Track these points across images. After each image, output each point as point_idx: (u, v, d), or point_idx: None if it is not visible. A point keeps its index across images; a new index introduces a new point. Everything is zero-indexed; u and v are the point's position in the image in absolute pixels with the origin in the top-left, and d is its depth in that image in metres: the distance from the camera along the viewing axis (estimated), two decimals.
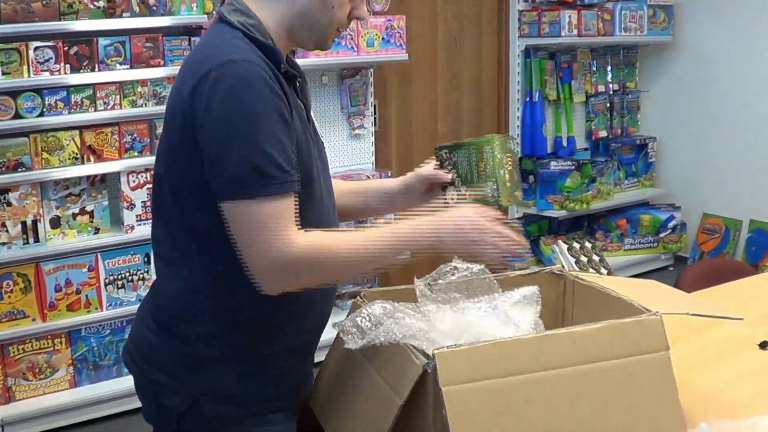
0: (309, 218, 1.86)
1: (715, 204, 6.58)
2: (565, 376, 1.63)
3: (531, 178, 6.21)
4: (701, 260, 3.40)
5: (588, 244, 6.22)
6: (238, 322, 1.88)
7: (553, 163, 6.16)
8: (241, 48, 1.80)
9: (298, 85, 1.95)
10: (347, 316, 1.80)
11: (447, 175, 2.18)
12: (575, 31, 5.95)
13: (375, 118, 5.48)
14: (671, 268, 6.65)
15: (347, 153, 5.40)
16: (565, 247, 6.13)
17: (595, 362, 1.67)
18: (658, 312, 1.77)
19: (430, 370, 1.58)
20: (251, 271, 1.77)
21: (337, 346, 1.93)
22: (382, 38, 5.06)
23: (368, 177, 5.09)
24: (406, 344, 1.67)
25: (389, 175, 5.25)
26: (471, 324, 1.80)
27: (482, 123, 6.20)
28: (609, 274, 6.02)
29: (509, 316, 1.86)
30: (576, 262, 6.05)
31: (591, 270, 5.97)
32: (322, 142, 2.08)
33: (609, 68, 6.55)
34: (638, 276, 6.31)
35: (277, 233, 1.74)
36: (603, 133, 6.61)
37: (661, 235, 6.58)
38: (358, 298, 1.96)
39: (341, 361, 1.92)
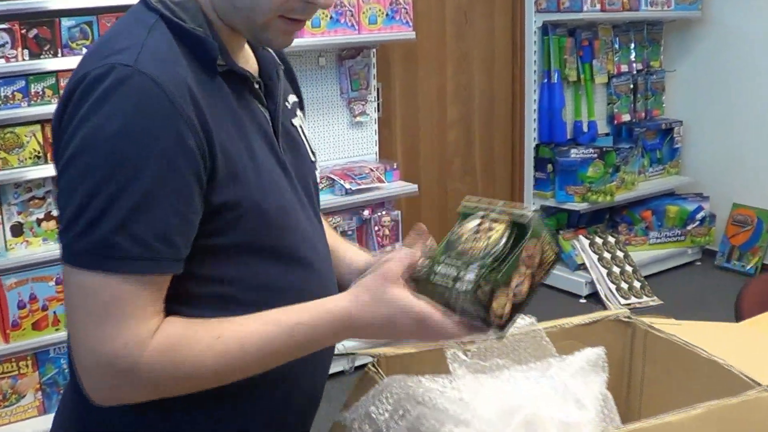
0: (281, 256, 1.42)
1: (746, 193, 6.18)
2: None
3: (549, 167, 5.80)
4: (762, 275, 3.06)
5: (611, 239, 5.81)
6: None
7: (573, 150, 5.75)
8: (144, 44, 1.29)
9: (258, 87, 1.45)
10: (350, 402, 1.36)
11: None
12: (598, 6, 5.57)
13: (378, 104, 5.08)
14: (698, 263, 6.25)
15: (348, 143, 5.00)
16: (586, 242, 5.71)
17: None
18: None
19: None
20: (76, 366, 1.29)
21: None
22: (386, 14, 4.64)
23: (371, 170, 4.77)
24: None
25: (395, 167, 4.93)
26: (521, 404, 1.44)
27: (495, 108, 5.83)
28: (634, 271, 5.61)
29: (569, 388, 1.50)
30: (599, 259, 5.59)
31: (615, 268, 5.55)
32: (310, 155, 1.58)
33: (632, 46, 6.15)
34: (663, 273, 5.93)
35: (121, 325, 1.24)
36: (626, 117, 6.19)
37: (689, 227, 6.16)
38: (369, 366, 1.47)
39: None
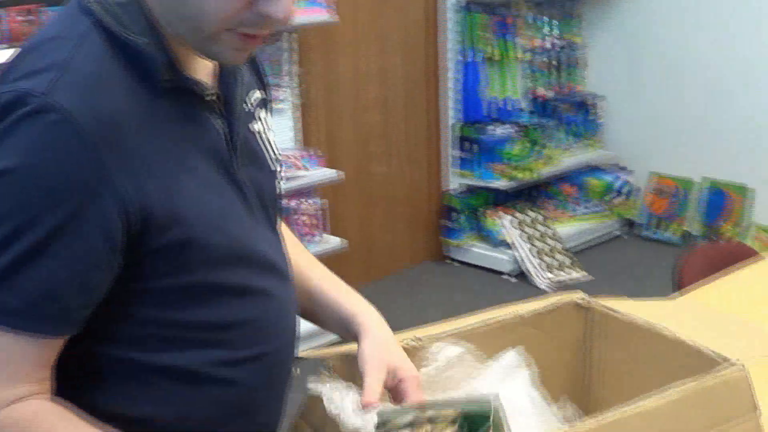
0: (236, 299, 1.26)
1: (666, 164, 6.21)
2: None
3: (472, 146, 5.74)
4: (698, 247, 3.06)
5: (536, 215, 5.79)
6: None
7: (495, 128, 5.72)
8: (67, 65, 1.12)
9: (216, 96, 1.28)
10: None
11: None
12: None
13: (300, 90, 4.97)
14: (623, 236, 6.27)
15: None
16: (510, 219, 5.67)
17: None
18: (741, 363, 1.37)
19: None
20: None
21: None
22: None
23: (291, 158, 4.65)
24: None
25: (317, 154, 4.85)
26: None
27: (414, 88, 5.73)
28: (561, 247, 5.62)
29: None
30: (524, 236, 5.59)
31: (541, 244, 5.55)
32: (270, 164, 1.40)
33: (550, 21, 6.12)
34: (589, 247, 5.95)
35: None
36: (545, 93, 6.17)
37: (611, 200, 6.17)
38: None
39: None
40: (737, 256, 3.02)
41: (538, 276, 5.40)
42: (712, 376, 1.33)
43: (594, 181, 6.20)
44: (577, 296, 1.68)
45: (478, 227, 5.78)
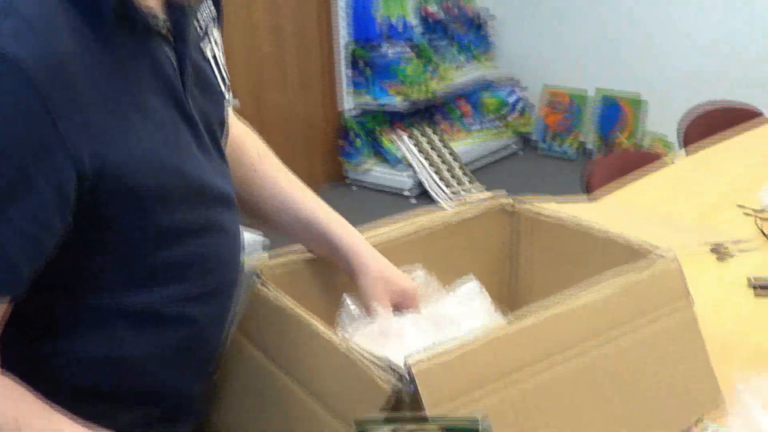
0: (192, 231, 1.19)
1: (559, 77, 6.24)
2: (575, 367, 1.19)
3: (364, 66, 5.66)
4: (603, 158, 3.08)
5: (433, 134, 5.77)
6: None
7: (386, 47, 5.67)
8: (8, 6, 0.99)
9: (165, 32, 1.16)
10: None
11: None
12: None
13: None
14: (520, 151, 6.31)
15: None
16: (408, 139, 5.64)
17: (614, 338, 1.25)
18: (672, 251, 1.37)
19: (408, 391, 1.04)
20: None
21: (238, 361, 1.32)
22: None
23: None
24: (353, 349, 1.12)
25: None
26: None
27: (304, 11, 5.61)
28: (459, 164, 5.62)
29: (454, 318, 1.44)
30: (422, 155, 5.59)
31: (440, 162, 5.54)
32: (220, 88, 1.31)
33: None
34: (487, 165, 5.98)
35: None
36: (437, 12, 6.12)
37: (507, 116, 6.19)
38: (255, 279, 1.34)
39: (250, 383, 1.30)
40: (644, 161, 3.06)
41: (438, 194, 5.40)
42: (646, 266, 1.32)
43: (488, 98, 6.21)
44: (504, 200, 1.66)
45: (376, 148, 5.75)
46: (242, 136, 1.49)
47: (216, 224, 1.23)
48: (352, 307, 1.39)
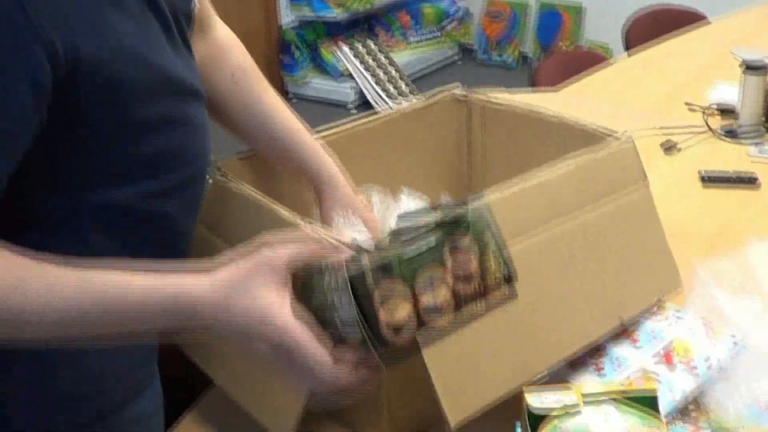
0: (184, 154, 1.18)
1: None
2: (539, 242, 1.20)
3: None
4: (551, 56, 3.07)
5: (373, 45, 5.72)
6: None
7: None
8: None
9: None
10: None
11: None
12: None
13: None
14: (459, 61, 6.29)
15: None
16: (348, 50, 5.60)
17: (575, 215, 1.26)
18: (629, 134, 1.37)
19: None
20: None
21: (202, 247, 1.32)
22: None
23: None
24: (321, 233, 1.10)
25: None
26: None
27: None
28: (399, 75, 5.59)
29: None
30: (363, 66, 5.53)
31: (380, 72, 5.51)
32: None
33: None
34: (427, 75, 5.97)
35: None
36: None
37: (446, 26, 6.14)
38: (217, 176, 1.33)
39: None
40: (588, 61, 3.07)
41: (380, 105, 5.38)
42: (602, 147, 1.32)
43: (428, 8, 6.15)
44: (456, 89, 1.65)
45: (317, 60, 5.69)
46: (228, 45, 1.45)
47: (186, 117, 1.20)
48: None
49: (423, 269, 0.95)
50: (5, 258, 0.99)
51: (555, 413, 1.01)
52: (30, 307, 0.99)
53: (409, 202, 1.47)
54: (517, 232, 1.16)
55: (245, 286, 1.00)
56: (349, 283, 0.94)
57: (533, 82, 2.79)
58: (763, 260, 1.53)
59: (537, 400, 1.01)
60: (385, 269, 0.94)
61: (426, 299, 0.96)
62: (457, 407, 1.05)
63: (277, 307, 0.98)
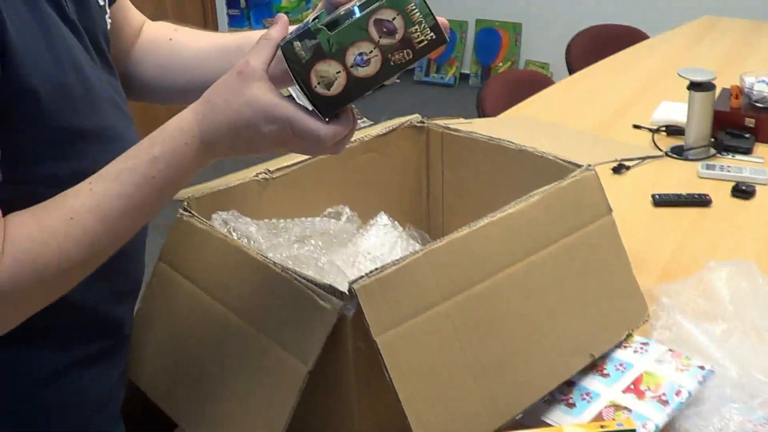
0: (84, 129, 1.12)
1: (438, 7, 6.14)
2: (508, 281, 1.19)
3: (242, 2, 5.54)
4: (495, 77, 3.08)
5: None
6: None
7: None
8: None
9: None
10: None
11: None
12: None
13: None
14: (398, 80, 6.26)
15: None
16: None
17: (542, 248, 1.25)
18: (591, 166, 1.37)
19: (350, 314, 1.03)
20: None
21: (167, 294, 1.28)
22: None
23: None
24: (287, 271, 1.10)
25: None
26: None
27: None
28: None
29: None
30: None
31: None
32: (103, 7, 1.24)
33: None
34: (371, 96, 5.89)
35: None
36: None
37: None
38: (181, 211, 1.30)
39: (180, 314, 1.27)
40: (533, 81, 3.08)
41: None
42: (565, 179, 1.31)
43: None
44: (414, 118, 1.65)
45: None
46: (159, 29, 1.44)
47: (112, 131, 1.17)
48: None
49: (352, 46, 1.01)
50: (54, 206, 1.01)
51: None
52: (92, 222, 1.01)
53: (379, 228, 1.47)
54: (487, 269, 1.15)
55: (237, 87, 1.03)
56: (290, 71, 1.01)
57: (480, 108, 2.79)
58: (723, 283, 1.53)
59: None
60: (316, 52, 1.01)
61: (357, 71, 1.03)
62: None
63: (268, 93, 1.02)
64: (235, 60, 1.17)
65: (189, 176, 1.07)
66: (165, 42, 1.41)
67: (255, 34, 1.30)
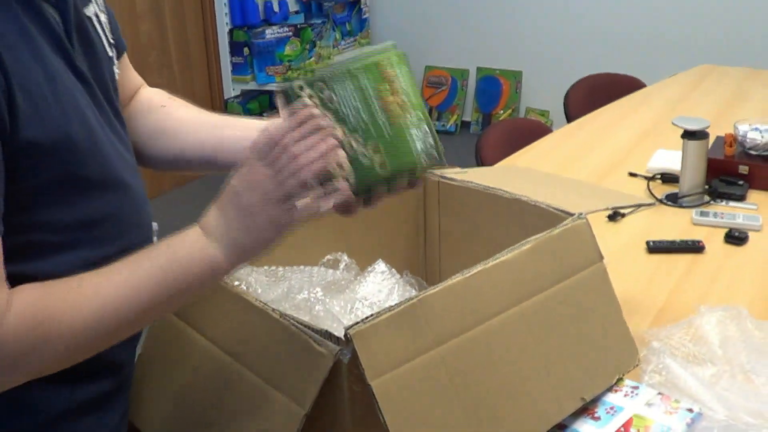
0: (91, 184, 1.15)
1: (438, 56, 6.27)
2: (501, 327, 1.21)
3: (246, 50, 5.59)
4: (494, 125, 3.13)
5: None
6: None
7: (267, 31, 5.61)
8: None
9: None
10: None
11: None
12: None
13: None
14: None
15: None
16: None
17: (534, 294, 1.28)
18: (583, 214, 1.41)
19: (346, 359, 1.06)
20: None
21: (166, 339, 1.32)
22: None
23: None
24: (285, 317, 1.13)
25: None
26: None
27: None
28: None
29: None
30: None
31: None
32: (106, 50, 1.27)
33: None
34: None
35: None
36: None
37: None
38: None
39: (176, 356, 1.30)
40: (532, 129, 3.12)
41: None
42: (558, 227, 1.34)
43: None
44: None
45: None
46: (154, 95, 1.50)
47: (118, 180, 1.20)
48: None
49: None
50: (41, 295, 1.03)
51: None
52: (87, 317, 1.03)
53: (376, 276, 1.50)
54: (480, 315, 1.18)
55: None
56: None
57: (478, 155, 2.82)
58: (713, 327, 1.56)
59: None
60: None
61: None
62: None
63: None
64: (223, 135, 1.34)
65: (204, 281, 1.11)
66: (158, 108, 1.46)
67: (242, 121, 1.41)
